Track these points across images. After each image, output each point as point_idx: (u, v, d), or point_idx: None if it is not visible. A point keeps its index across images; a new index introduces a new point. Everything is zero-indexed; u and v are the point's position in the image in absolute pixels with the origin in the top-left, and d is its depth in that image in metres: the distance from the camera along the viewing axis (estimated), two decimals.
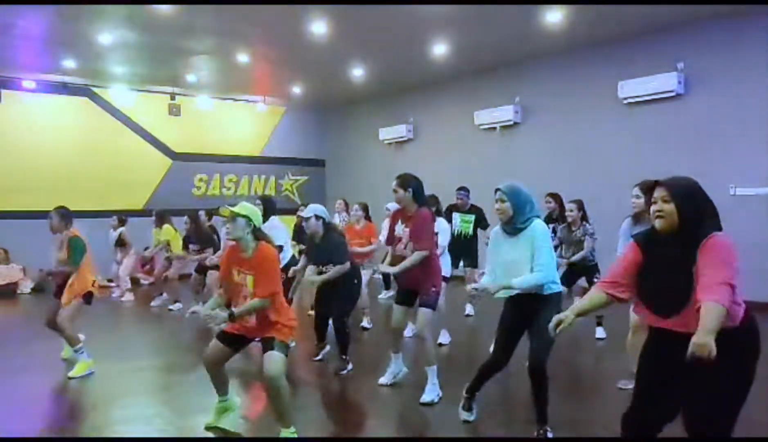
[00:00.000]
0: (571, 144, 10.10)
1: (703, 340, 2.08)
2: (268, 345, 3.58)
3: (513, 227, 3.68)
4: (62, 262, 5.54)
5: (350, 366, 5.46)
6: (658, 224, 2.42)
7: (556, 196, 7.16)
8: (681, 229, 2.38)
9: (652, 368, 2.56)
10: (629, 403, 2.64)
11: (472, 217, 7.76)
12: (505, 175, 11.13)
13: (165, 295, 9.60)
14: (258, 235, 3.67)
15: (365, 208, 7.61)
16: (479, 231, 7.77)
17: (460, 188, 7.92)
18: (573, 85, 10.09)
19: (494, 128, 11.24)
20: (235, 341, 3.75)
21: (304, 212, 5.74)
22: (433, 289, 4.61)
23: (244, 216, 3.60)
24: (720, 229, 2.39)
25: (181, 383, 5.32)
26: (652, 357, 2.56)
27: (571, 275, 6.50)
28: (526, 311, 3.72)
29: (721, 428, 2.36)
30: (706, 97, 8.53)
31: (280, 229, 6.33)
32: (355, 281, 5.74)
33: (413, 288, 4.67)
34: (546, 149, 10.41)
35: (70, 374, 5.40)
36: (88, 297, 5.57)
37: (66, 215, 5.57)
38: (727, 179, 8.24)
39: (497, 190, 3.72)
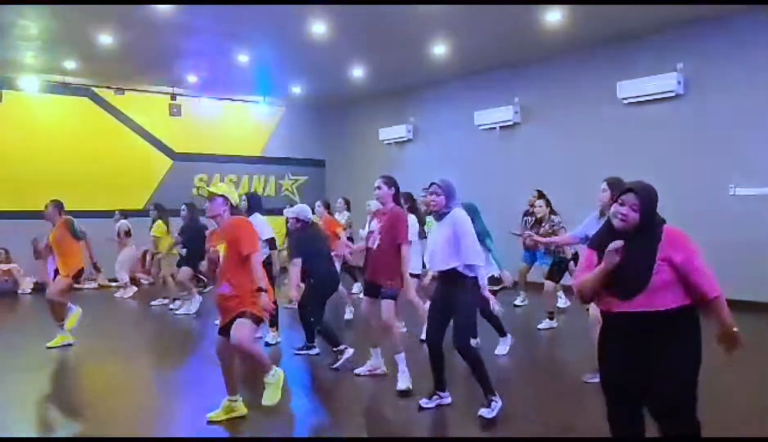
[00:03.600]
0: (571, 144, 10.11)
1: (736, 331, 2.59)
2: (239, 315, 3.82)
3: (441, 214, 4.18)
4: (53, 240, 6.44)
5: (342, 359, 5.49)
6: (617, 224, 2.66)
7: (540, 194, 7.66)
8: (637, 229, 2.64)
9: (616, 354, 2.73)
10: (605, 401, 2.80)
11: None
12: (505, 175, 11.24)
13: (166, 299, 9.57)
14: (234, 213, 3.97)
15: (327, 205, 8.49)
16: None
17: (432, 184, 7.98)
18: (572, 86, 10.11)
19: (494, 129, 11.25)
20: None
21: (289, 212, 5.88)
22: (390, 282, 4.79)
23: (220, 195, 3.90)
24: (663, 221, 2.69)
25: (179, 382, 5.36)
26: (614, 344, 2.74)
27: (556, 271, 7.09)
28: (448, 293, 4.16)
29: (689, 397, 2.59)
30: (706, 98, 8.55)
31: (265, 225, 6.47)
32: (326, 277, 5.78)
33: (375, 282, 4.91)
34: (545, 149, 10.41)
35: (48, 343, 6.24)
36: (77, 275, 6.49)
37: (59, 206, 6.55)
38: (726, 179, 8.27)
39: (432, 184, 4.21)
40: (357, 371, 5.24)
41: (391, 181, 4.94)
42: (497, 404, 4.07)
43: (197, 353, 6.52)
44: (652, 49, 9.00)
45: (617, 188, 4.56)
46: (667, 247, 2.57)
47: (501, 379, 4.34)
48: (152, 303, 9.64)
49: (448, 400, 4.37)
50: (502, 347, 5.80)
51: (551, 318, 7.16)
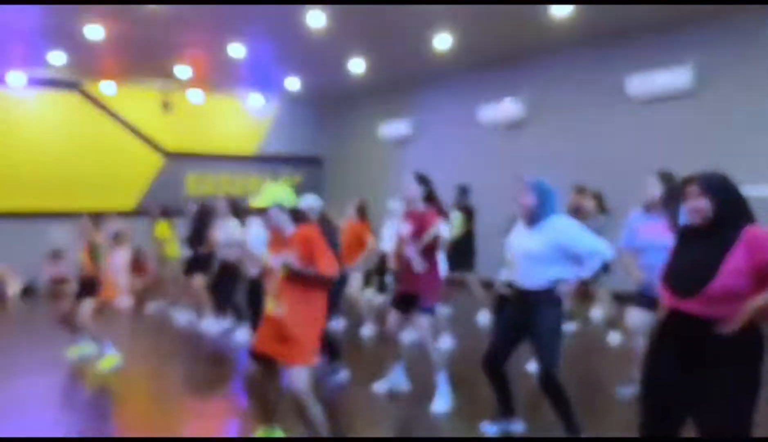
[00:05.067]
0: (577, 141, 9.88)
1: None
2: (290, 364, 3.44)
3: (534, 218, 3.65)
4: (83, 263, 6.05)
5: (343, 374, 5.21)
6: (692, 220, 2.45)
7: (582, 189, 7.38)
8: (715, 223, 2.41)
9: (661, 363, 2.49)
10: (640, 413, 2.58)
11: (457, 215, 7.51)
12: (509, 173, 10.87)
13: (162, 303, 9.21)
14: (297, 215, 3.62)
15: (360, 209, 7.06)
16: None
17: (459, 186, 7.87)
18: (579, 81, 9.88)
19: (498, 125, 10.99)
20: (266, 356, 3.53)
21: (302, 202, 5.48)
22: (432, 293, 4.54)
23: (271, 206, 3.55)
24: (753, 221, 2.43)
25: (176, 389, 5.31)
26: (664, 352, 2.50)
27: None
28: (524, 308, 3.61)
29: (740, 426, 2.32)
30: (718, 94, 8.32)
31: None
32: (338, 283, 5.40)
33: (411, 292, 4.56)
34: (551, 146, 10.18)
35: (100, 366, 5.75)
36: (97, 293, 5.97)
37: (96, 220, 6.22)
38: (741, 178, 7.99)
39: (521, 181, 3.72)
40: (376, 386, 4.90)
41: (421, 179, 4.54)
42: None
43: (202, 358, 6.46)
44: (663, 43, 8.78)
45: (668, 182, 4.36)
46: (747, 250, 2.32)
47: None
48: (147, 306, 9.34)
49: (519, 428, 3.93)
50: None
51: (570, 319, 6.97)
